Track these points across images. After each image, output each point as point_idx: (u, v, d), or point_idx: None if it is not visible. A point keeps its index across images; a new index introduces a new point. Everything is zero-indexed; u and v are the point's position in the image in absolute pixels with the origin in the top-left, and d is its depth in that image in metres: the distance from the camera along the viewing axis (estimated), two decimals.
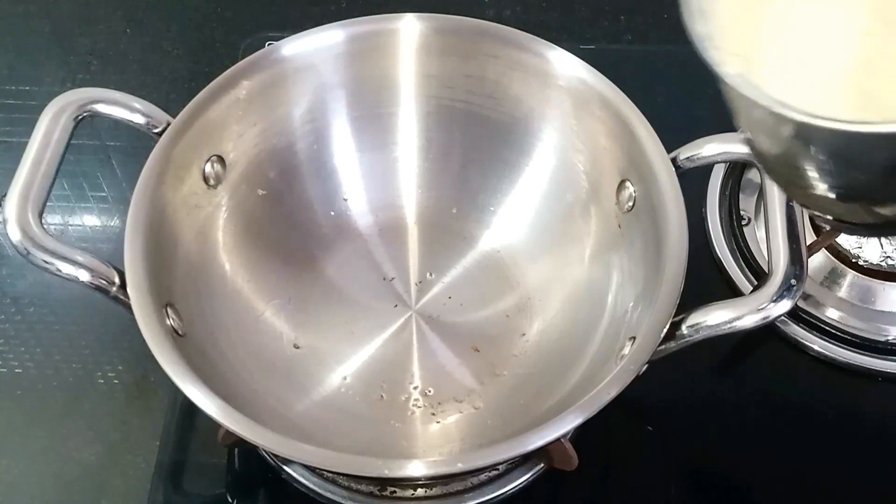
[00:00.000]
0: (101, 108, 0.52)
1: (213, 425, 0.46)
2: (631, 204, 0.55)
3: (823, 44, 0.37)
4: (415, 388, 0.57)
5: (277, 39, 0.58)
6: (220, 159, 0.57)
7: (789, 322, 0.61)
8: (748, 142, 0.47)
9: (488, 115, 0.61)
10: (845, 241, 0.62)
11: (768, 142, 0.41)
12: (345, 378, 0.58)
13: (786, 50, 0.37)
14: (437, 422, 0.56)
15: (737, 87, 0.35)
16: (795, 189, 0.44)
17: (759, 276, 0.63)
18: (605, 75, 0.55)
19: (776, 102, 0.34)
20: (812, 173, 0.39)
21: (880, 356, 0.60)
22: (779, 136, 0.39)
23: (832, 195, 0.40)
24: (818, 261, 0.63)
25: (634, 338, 0.47)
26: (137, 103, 0.53)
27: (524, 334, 0.59)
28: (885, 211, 0.39)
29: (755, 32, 0.38)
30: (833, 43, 0.37)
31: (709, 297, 0.47)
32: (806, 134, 0.36)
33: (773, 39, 0.38)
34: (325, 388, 0.57)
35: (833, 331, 0.61)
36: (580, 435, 0.54)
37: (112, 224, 0.69)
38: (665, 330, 0.46)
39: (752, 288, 0.60)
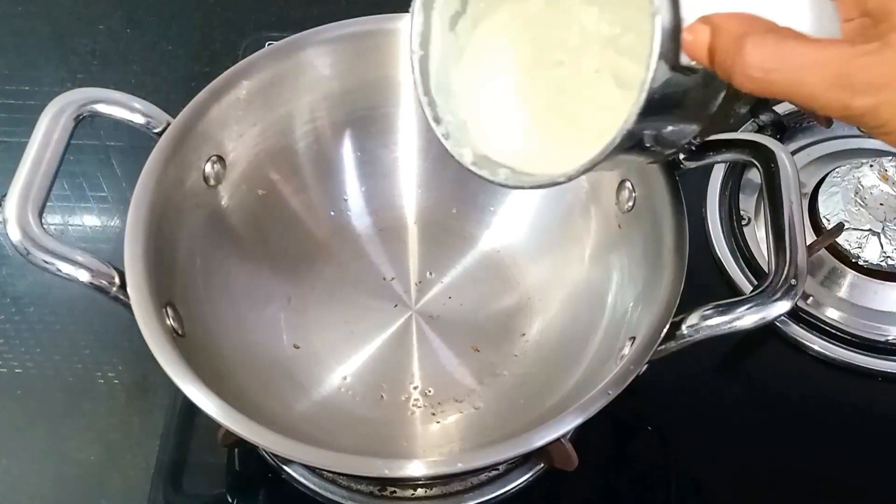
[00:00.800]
0: (101, 108, 0.52)
1: (213, 425, 0.46)
2: (631, 204, 0.55)
3: (510, 109, 0.43)
4: (415, 388, 0.57)
5: (277, 39, 0.58)
6: (220, 159, 0.57)
7: (789, 322, 0.62)
8: None
9: None
10: (845, 241, 0.62)
11: None
12: (345, 378, 0.58)
13: (498, 126, 0.43)
14: (437, 422, 0.56)
15: (477, 174, 0.42)
16: None
17: (759, 276, 0.63)
18: None
19: (502, 175, 0.41)
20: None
21: (880, 356, 0.60)
22: None
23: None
24: (818, 261, 0.63)
25: (634, 338, 0.47)
26: (137, 103, 0.53)
27: (524, 334, 0.59)
28: (670, 150, 0.42)
29: (471, 122, 0.44)
30: (513, 106, 0.43)
31: (709, 297, 0.47)
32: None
33: (488, 123, 0.44)
34: (325, 388, 0.57)
35: (833, 331, 0.61)
36: (580, 435, 0.54)
37: (112, 224, 0.69)
38: (665, 330, 0.46)
39: (752, 288, 0.60)
